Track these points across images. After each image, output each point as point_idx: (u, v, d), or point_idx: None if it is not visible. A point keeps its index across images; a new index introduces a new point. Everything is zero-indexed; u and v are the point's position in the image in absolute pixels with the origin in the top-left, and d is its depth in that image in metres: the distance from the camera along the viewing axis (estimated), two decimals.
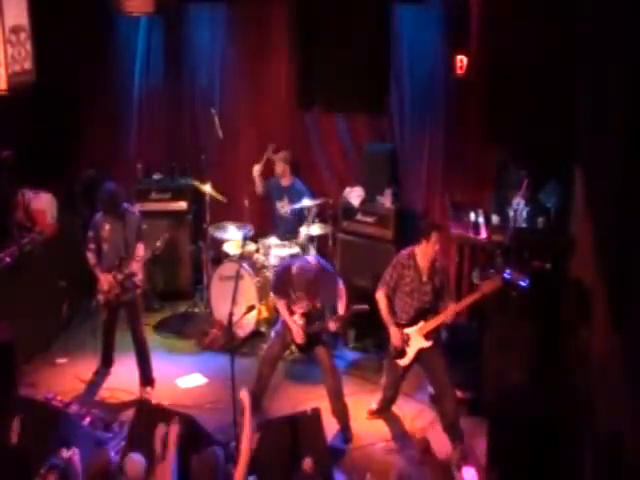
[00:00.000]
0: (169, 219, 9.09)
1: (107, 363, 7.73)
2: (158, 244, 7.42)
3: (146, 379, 7.49)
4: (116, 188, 7.38)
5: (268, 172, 8.83)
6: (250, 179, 9.04)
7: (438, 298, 6.71)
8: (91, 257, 7.40)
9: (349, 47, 7.05)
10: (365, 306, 6.87)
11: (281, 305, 7.07)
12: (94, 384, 7.61)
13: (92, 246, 7.39)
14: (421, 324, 6.67)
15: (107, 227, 7.33)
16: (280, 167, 8.73)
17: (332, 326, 6.89)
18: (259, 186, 8.78)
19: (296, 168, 8.93)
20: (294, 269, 6.82)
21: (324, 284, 6.92)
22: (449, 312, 6.61)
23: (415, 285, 6.67)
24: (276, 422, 6.23)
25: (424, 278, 6.67)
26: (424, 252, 6.64)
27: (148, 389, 7.44)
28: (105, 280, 7.29)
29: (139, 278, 7.38)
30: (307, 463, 5.59)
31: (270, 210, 8.91)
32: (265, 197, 8.88)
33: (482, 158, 8.05)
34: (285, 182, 8.78)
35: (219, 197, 8.62)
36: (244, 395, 5.53)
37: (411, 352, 6.72)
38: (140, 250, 7.38)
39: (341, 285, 7.11)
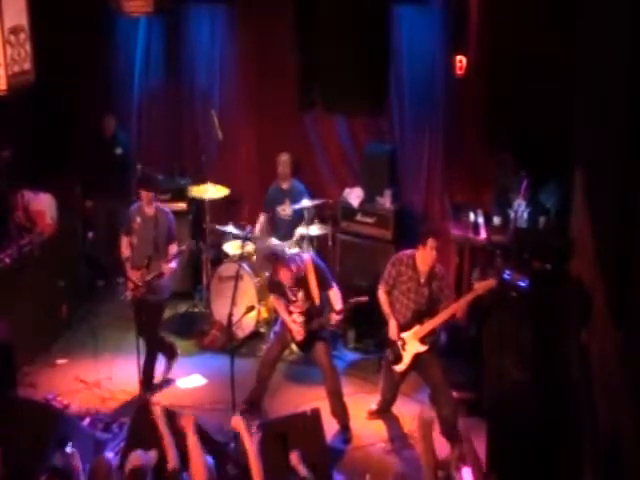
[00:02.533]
0: None
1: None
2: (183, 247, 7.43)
3: (146, 383, 7.41)
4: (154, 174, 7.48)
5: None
6: (249, 179, 9.06)
7: (435, 303, 6.71)
8: (123, 249, 7.42)
9: (349, 48, 7.03)
10: (364, 297, 6.87)
11: (279, 304, 7.08)
12: (94, 385, 7.59)
13: (125, 238, 7.40)
14: (416, 328, 6.66)
15: (138, 220, 7.32)
16: (283, 169, 8.73)
17: (333, 320, 6.88)
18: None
19: (296, 169, 8.94)
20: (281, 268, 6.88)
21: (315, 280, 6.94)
22: (444, 314, 6.61)
23: (412, 285, 6.67)
24: (276, 423, 6.23)
25: (422, 280, 6.67)
26: (422, 257, 6.65)
27: (148, 394, 7.37)
28: (133, 277, 7.21)
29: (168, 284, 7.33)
30: (294, 457, 5.54)
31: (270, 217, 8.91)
32: (266, 207, 8.88)
33: (482, 158, 8.05)
34: (285, 185, 8.78)
35: (221, 191, 8.63)
36: (236, 422, 5.38)
37: (407, 357, 6.72)
38: (172, 250, 7.30)
39: (334, 286, 7.09)
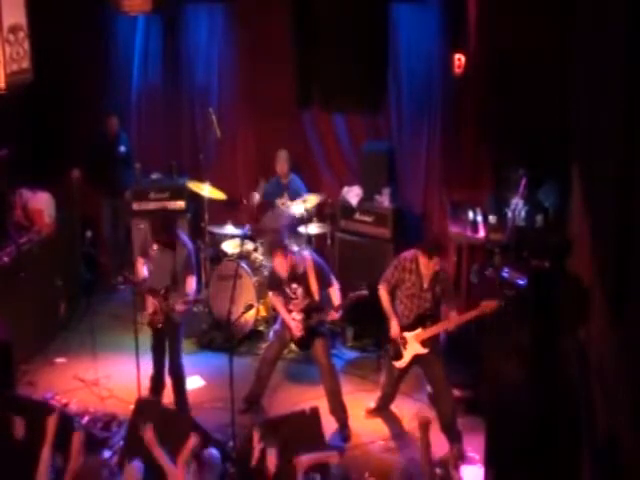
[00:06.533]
0: None
1: (158, 388, 7.16)
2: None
3: (180, 407, 7.08)
4: (169, 214, 7.20)
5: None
6: (248, 177, 9.06)
7: (438, 306, 6.69)
8: (140, 271, 7.03)
9: (347, 46, 7.04)
10: (364, 291, 6.86)
11: (277, 302, 7.08)
12: (92, 383, 7.58)
13: (140, 259, 7.05)
14: (419, 330, 6.64)
15: (155, 247, 6.86)
16: (282, 166, 8.75)
17: (332, 315, 6.88)
18: (259, 196, 8.83)
19: (294, 166, 8.94)
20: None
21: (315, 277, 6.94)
22: (447, 323, 6.60)
23: (415, 290, 6.65)
24: (275, 421, 6.23)
25: (425, 285, 6.63)
26: (426, 265, 6.58)
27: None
28: (151, 304, 6.86)
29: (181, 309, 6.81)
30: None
31: (269, 209, 8.90)
32: (265, 199, 8.88)
33: (480, 157, 8.06)
34: (285, 179, 8.81)
35: (218, 195, 8.63)
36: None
37: (407, 356, 6.73)
38: (190, 285, 6.82)
39: (335, 283, 7.08)
